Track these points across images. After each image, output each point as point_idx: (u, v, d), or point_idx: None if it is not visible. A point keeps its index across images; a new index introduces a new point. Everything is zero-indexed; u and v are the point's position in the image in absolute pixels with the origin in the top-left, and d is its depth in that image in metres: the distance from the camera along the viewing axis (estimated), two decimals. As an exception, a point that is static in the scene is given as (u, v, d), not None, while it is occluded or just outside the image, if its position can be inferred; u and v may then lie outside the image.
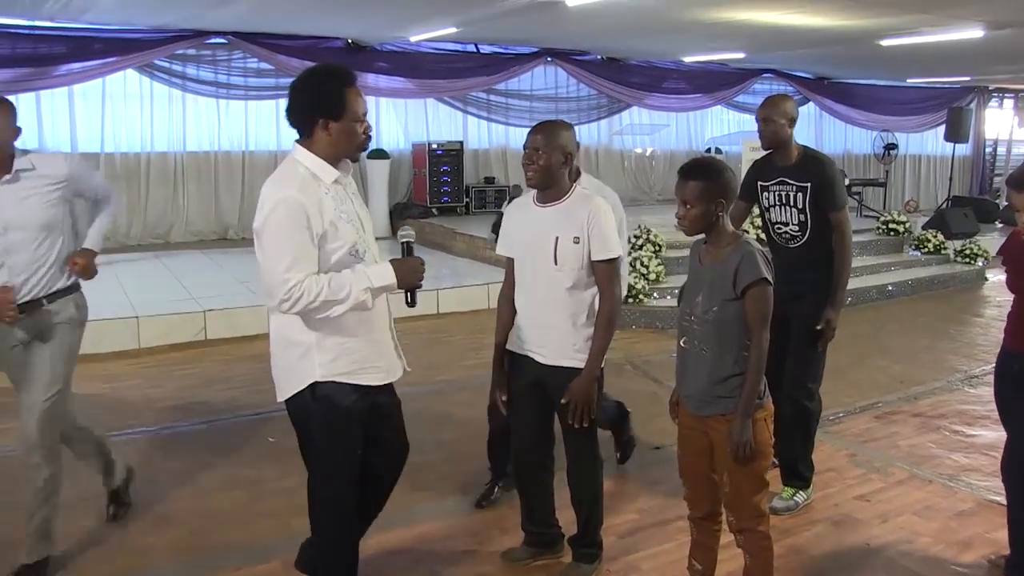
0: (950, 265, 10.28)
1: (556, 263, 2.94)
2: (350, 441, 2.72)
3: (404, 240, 2.76)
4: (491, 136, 12.76)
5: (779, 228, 3.98)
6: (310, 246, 2.48)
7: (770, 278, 2.69)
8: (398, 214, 11.24)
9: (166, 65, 9.86)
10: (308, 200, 2.48)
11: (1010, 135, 16.46)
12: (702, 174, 2.73)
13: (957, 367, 6.52)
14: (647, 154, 14.62)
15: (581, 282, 2.96)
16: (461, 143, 11.92)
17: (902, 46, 9.45)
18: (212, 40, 9.95)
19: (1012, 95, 18.42)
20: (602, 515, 3.28)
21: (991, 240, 11.52)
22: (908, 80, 14.99)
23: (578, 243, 2.92)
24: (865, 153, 17.16)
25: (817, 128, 16.58)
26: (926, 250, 10.33)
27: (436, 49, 11.45)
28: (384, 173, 11.11)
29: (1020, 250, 3.20)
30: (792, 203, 3.87)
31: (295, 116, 2.61)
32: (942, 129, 15.59)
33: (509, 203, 3.07)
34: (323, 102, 2.55)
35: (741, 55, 11.56)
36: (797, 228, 3.91)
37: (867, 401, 5.61)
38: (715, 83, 14.23)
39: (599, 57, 12.95)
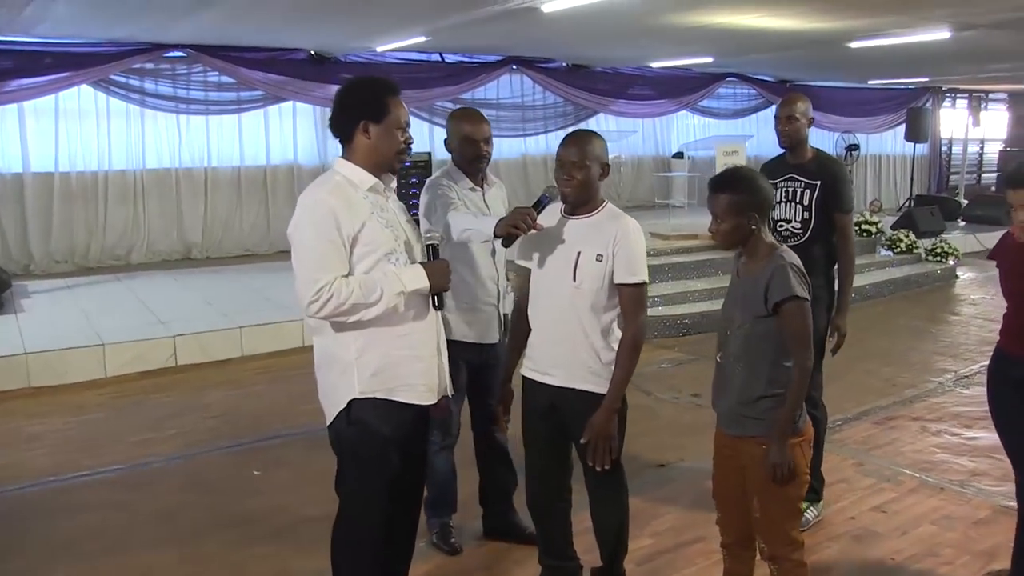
0: (922, 264, 10.31)
1: (575, 279, 2.76)
2: (383, 474, 2.56)
3: (429, 243, 2.61)
4: (459, 147, 12.56)
5: (780, 226, 3.89)
6: (340, 248, 2.42)
7: (804, 294, 2.55)
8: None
9: (123, 80, 9.49)
10: (338, 202, 2.43)
11: (965, 134, 16.68)
12: (730, 187, 2.60)
13: (946, 368, 6.48)
14: (618, 160, 14.52)
15: (600, 303, 2.78)
16: (429, 154, 11.67)
17: (870, 48, 9.46)
18: (171, 54, 9.60)
19: (965, 95, 18.69)
20: (627, 545, 3.09)
21: (958, 238, 11.62)
22: (869, 82, 15.10)
23: (601, 261, 2.74)
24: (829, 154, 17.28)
25: (780, 131, 16.63)
26: (898, 250, 10.35)
27: (400, 59, 11.24)
28: (351, 186, 10.83)
29: (1014, 251, 3.08)
30: (798, 200, 3.80)
31: (337, 121, 2.56)
32: (901, 129, 15.77)
33: (541, 208, 2.85)
34: (365, 105, 2.51)
35: (709, 59, 11.52)
36: (799, 226, 3.83)
37: (864, 407, 5.53)
38: (680, 88, 14.20)
39: (564, 64, 12.84)
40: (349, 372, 2.49)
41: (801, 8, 7.20)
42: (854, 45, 9.33)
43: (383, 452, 2.54)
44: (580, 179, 2.75)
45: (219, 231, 10.43)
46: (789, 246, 3.73)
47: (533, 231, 2.75)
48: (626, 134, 14.50)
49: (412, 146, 2.64)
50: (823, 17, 7.63)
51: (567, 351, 2.81)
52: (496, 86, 12.49)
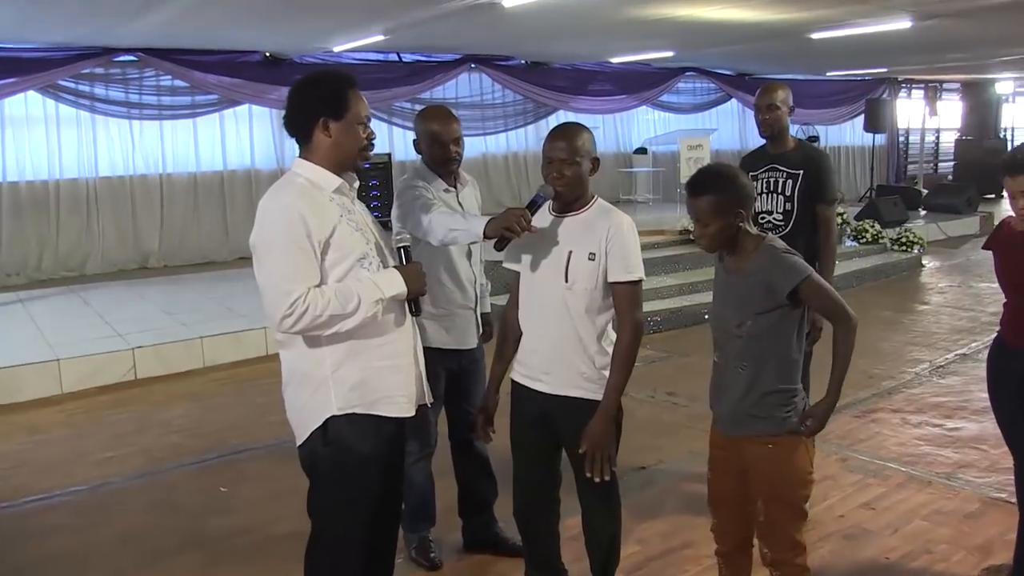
0: (888, 254, 10.34)
1: (567, 280, 2.60)
2: (366, 494, 2.39)
3: (400, 245, 2.45)
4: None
5: (762, 217, 3.80)
6: (312, 256, 2.23)
7: (809, 269, 2.45)
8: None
9: (72, 85, 9.18)
10: (306, 206, 2.24)
11: (923, 124, 16.85)
12: (712, 187, 2.46)
13: (920, 358, 6.45)
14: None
15: (594, 305, 2.63)
16: (389, 155, 11.51)
17: (831, 39, 9.46)
18: (121, 58, 9.32)
19: (921, 86, 18.89)
20: (619, 556, 2.96)
21: (921, 228, 11.70)
22: (828, 73, 15.18)
23: (593, 260, 2.60)
24: (787, 147, 17.38)
25: (740, 123, 16.69)
26: (864, 240, 10.37)
27: (358, 60, 11.03)
28: (311, 190, 10.60)
29: (1011, 240, 3.01)
30: (780, 190, 3.70)
31: (293, 119, 2.37)
32: (859, 120, 15.89)
33: (536, 209, 2.67)
34: (323, 100, 2.31)
35: (670, 53, 11.46)
36: (781, 217, 3.74)
37: (843, 400, 5.30)
38: (640, 83, 14.15)
39: (523, 62, 12.73)
40: (324, 388, 2.32)
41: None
42: (815, 36, 9.31)
43: (365, 471, 2.37)
44: (570, 176, 2.60)
45: (176, 239, 10.14)
46: (771, 239, 3.68)
47: (527, 233, 2.59)
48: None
49: (375, 142, 2.48)
50: (785, 8, 7.58)
51: (559, 356, 2.66)
52: (455, 85, 12.34)
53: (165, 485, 4.45)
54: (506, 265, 2.80)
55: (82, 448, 4.97)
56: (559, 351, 2.66)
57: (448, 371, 3.28)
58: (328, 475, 2.36)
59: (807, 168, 3.66)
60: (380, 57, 11.30)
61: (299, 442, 2.40)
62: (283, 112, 2.42)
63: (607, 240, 2.59)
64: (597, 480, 2.61)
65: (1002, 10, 7.96)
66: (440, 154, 3.20)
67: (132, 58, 9.36)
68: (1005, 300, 3.13)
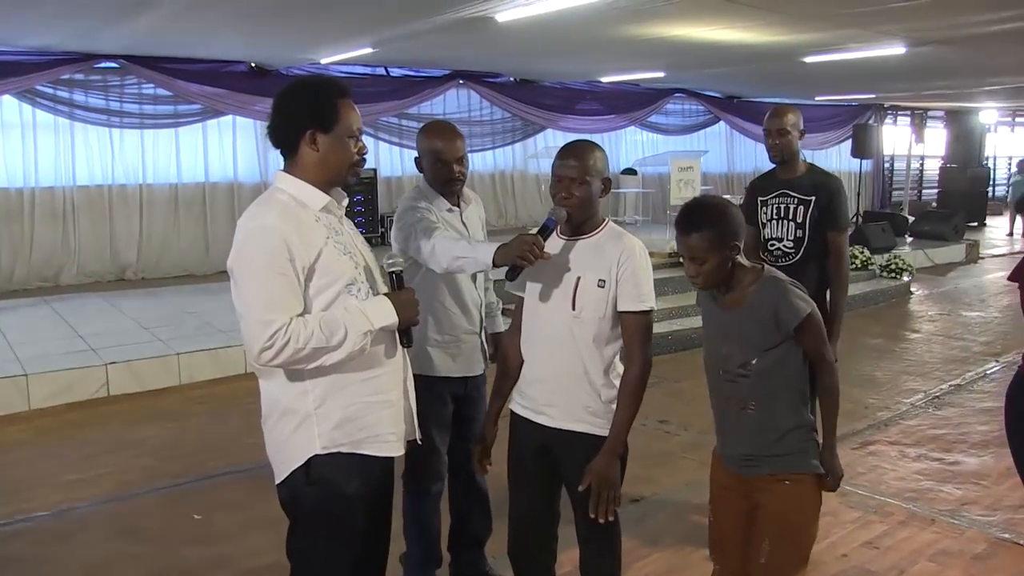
0: (877, 281, 10.27)
1: (574, 308, 2.44)
2: (351, 538, 2.21)
3: (392, 270, 2.28)
4: (404, 163, 12.19)
5: (772, 244, 3.66)
6: (294, 283, 2.05)
7: (812, 306, 2.32)
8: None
9: (50, 91, 8.95)
10: (289, 227, 2.05)
11: (909, 151, 16.92)
12: (706, 223, 2.31)
13: (915, 388, 6.32)
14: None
15: (603, 334, 2.46)
16: (374, 171, 11.36)
17: (824, 63, 9.42)
18: (102, 64, 9.11)
19: (907, 112, 19.00)
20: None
21: (908, 254, 11.64)
22: (816, 98, 15.19)
23: (603, 287, 2.43)
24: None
25: (728, 146, 16.69)
26: (853, 266, 10.27)
27: (344, 72, 10.86)
28: (294, 204, 10.41)
29: None
30: (791, 217, 3.56)
31: (278, 130, 2.17)
32: (845, 146, 15.91)
33: (548, 234, 2.48)
34: (311, 110, 2.12)
35: (661, 74, 11.39)
36: (792, 245, 3.60)
37: (840, 432, 5.26)
38: (629, 104, 14.10)
39: (512, 79, 12.63)
40: (307, 425, 2.13)
41: (759, 21, 7.06)
42: (809, 60, 9.27)
43: (350, 513, 2.18)
44: (580, 196, 2.44)
45: (155, 251, 9.90)
46: (780, 266, 3.54)
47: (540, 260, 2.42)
48: (575, 150, 14.35)
49: (366, 156, 2.30)
50: (781, 30, 7.51)
51: (564, 388, 2.49)
52: (443, 101, 12.22)
53: (135, 511, 4.22)
54: (508, 289, 2.62)
55: (47, 469, 4.73)
56: (563, 383, 2.49)
57: (455, 398, 3.10)
58: (310, 516, 2.18)
59: (819, 194, 3.52)
60: (368, 71, 11.17)
61: (279, 479, 2.22)
62: (267, 122, 2.23)
63: (618, 266, 2.43)
64: (601, 521, 2.43)
65: (992, 38, 7.95)
66: (443, 173, 3.03)
67: (114, 65, 9.16)
68: None
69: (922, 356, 7.37)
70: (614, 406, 2.48)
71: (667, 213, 11.13)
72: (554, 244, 2.52)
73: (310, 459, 2.13)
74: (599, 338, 2.46)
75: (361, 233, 2.43)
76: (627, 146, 15.14)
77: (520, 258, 2.39)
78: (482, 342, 3.24)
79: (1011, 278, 3.03)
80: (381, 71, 11.27)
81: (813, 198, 3.52)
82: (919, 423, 5.54)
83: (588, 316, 2.44)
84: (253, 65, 10.00)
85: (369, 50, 8.58)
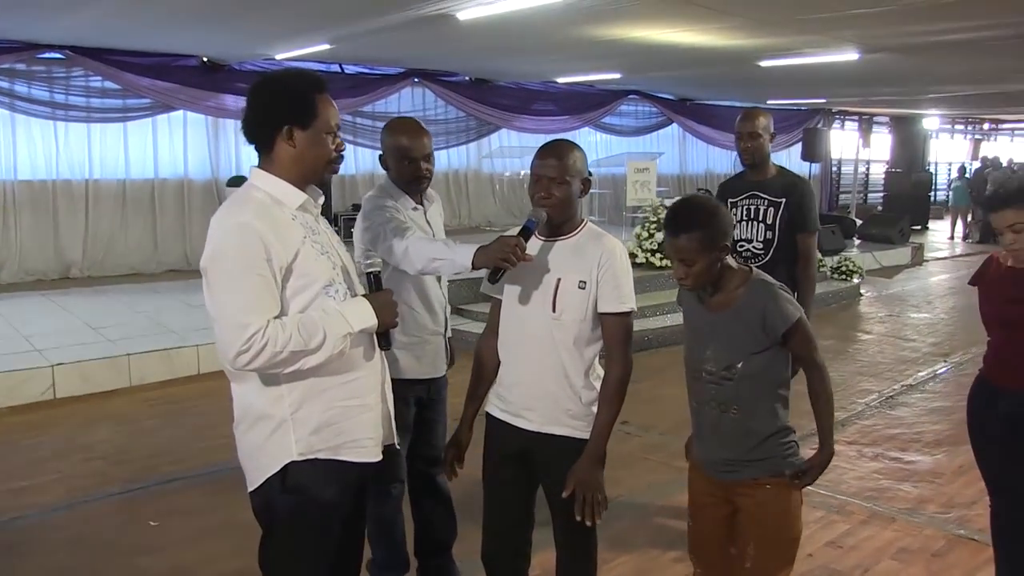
0: (828, 283, 10.41)
1: (554, 310, 2.39)
2: (326, 546, 2.14)
3: (370, 270, 2.22)
4: (358, 161, 12.05)
5: (741, 246, 3.68)
6: (271, 284, 1.97)
7: (801, 312, 2.32)
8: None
9: (-10, 82, 8.68)
10: (267, 227, 1.98)
11: (856, 155, 17.27)
12: (696, 224, 2.29)
13: (869, 389, 6.42)
14: (520, 177, 14.30)
15: (583, 336, 2.42)
16: (328, 168, 11.20)
17: (779, 67, 9.54)
18: (46, 55, 8.83)
19: (854, 118, 19.42)
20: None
21: (857, 257, 11.85)
22: (768, 102, 15.40)
23: (584, 289, 2.39)
24: (726, 172, 17.60)
25: (680, 148, 16.85)
26: (805, 268, 10.42)
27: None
28: (246, 201, 10.21)
29: (1000, 277, 2.93)
30: (761, 218, 3.58)
31: (252, 125, 2.10)
32: (794, 149, 16.16)
33: (529, 236, 2.43)
34: (288, 105, 2.05)
35: (618, 75, 11.44)
36: (761, 246, 3.62)
37: (798, 433, 5.36)
38: (584, 104, 14.15)
39: (467, 78, 12.58)
40: (284, 431, 2.06)
41: (720, 24, 7.12)
42: (764, 64, 9.39)
43: (326, 521, 2.12)
44: (559, 196, 2.40)
45: (101, 249, 9.64)
46: (749, 268, 3.56)
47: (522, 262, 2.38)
48: (529, 150, 14.34)
49: (344, 153, 2.23)
50: (740, 34, 7.59)
51: (544, 391, 2.45)
52: (397, 99, 12.12)
53: (87, 518, 4.07)
54: (485, 290, 2.57)
55: (-7, 476, 4.56)
56: (543, 386, 2.45)
57: (417, 400, 3.05)
58: (285, 524, 2.10)
59: (789, 196, 3.54)
60: (322, 67, 10.98)
61: (252, 487, 2.14)
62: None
63: (599, 268, 2.39)
64: (588, 523, 2.40)
65: (940, 48, 8.15)
66: (410, 171, 2.97)
67: (58, 55, 8.88)
68: (990, 339, 3.05)
69: (874, 357, 7.49)
70: (594, 408, 2.44)
71: (623, 214, 11.18)
72: (533, 245, 2.47)
73: (286, 466, 2.06)
74: (579, 340, 2.42)
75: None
76: (582, 147, 15.14)
77: (503, 260, 2.35)
78: (446, 343, 3.19)
79: (972, 282, 3.08)
80: (336, 68, 11.12)
81: (783, 200, 3.54)
82: (874, 423, 5.63)
83: (568, 318, 2.40)
84: (205, 59, 9.79)
85: (327, 47, 8.47)
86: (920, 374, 6.85)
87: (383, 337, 2.18)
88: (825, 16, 6.61)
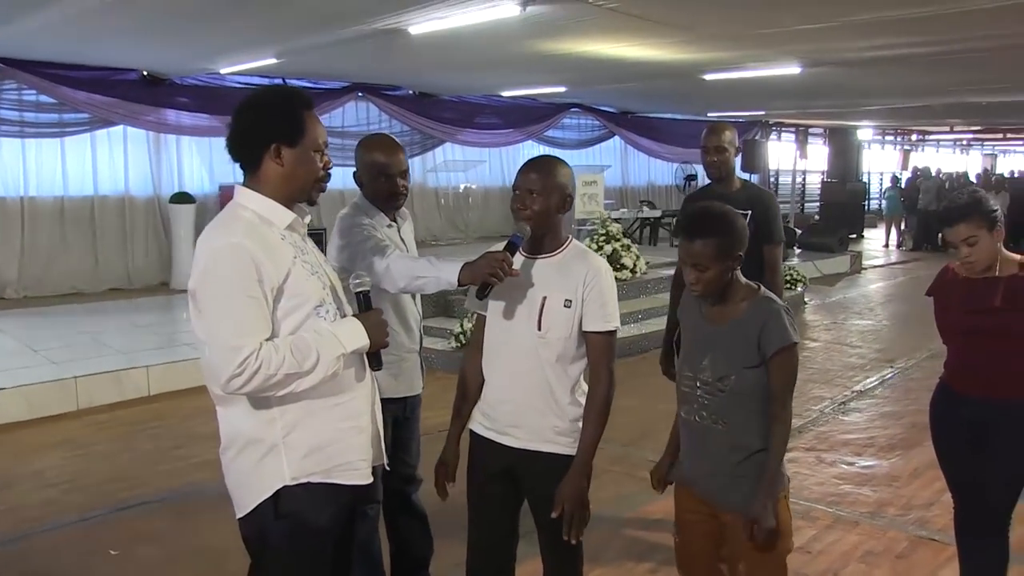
0: (772, 291, 10.61)
1: (540, 328, 2.39)
2: (321, 573, 2.10)
3: (359, 290, 2.18)
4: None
5: None
6: (263, 305, 1.94)
7: (798, 338, 2.33)
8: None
9: (-84, 95, 8.37)
10: (257, 247, 1.94)
11: (794, 165, 17.68)
12: (714, 230, 2.30)
13: (822, 396, 6.56)
14: (462, 190, 14.30)
15: (568, 354, 2.42)
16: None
17: (722, 80, 9.73)
18: (-24, 68, 8.57)
19: (791, 129, 19.89)
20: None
21: (799, 266, 12.10)
22: (708, 114, 15.68)
23: (569, 307, 2.39)
24: (668, 184, 17.88)
25: (622, 161, 17.03)
26: (750, 277, 10.60)
27: (242, 83, 10.57)
28: (190, 219, 9.99)
29: (955, 287, 3.02)
30: None
31: (239, 143, 2.06)
32: (735, 161, 16.46)
33: (514, 251, 2.44)
34: (275, 123, 2.02)
35: (563, 89, 11.53)
36: None
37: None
38: (526, 118, 14.24)
39: (411, 92, 12.55)
40: (275, 455, 2.01)
41: (668, 39, 7.24)
42: (708, 77, 9.55)
43: (321, 547, 2.07)
44: (537, 209, 2.40)
45: (40, 267, 9.34)
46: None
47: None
48: (474, 164, 14.39)
49: (331, 171, 2.19)
50: (687, 48, 7.72)
51: (530, 409, 2.44)
52: (341, 113, 12.05)
53: (42, 550, 3.92)
54: (469, 307, 2.55)
55: (-63, 507, 4.36)
56: (529, 403, 2.44)
57: (394, 419, 3.01)
58: (280, 551, 2.05)
59: (754, 208, 3.60)
60: (265, 82, 10.88)
61: (241, 513, 2.08)
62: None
63: (584, 286, 2.39)
64: (573, 542, 2.39)
65: (879, 62, 8.41)
66: (386, 188, 2.94)
67: (-11, 68, 8.61)
68: (949, 348, 3.13)
69: (824, 364, 7.66)
70: (579, 425, 2.44)
71: (572, 227, 11.26)
72: (516, 262, 2.47)
73: (278, 491, 2.01)
74: (564, 358, 2.42)
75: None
76: (525, 160, 15.21)
77: (491, 276, 2.34)
78: (420, 360, 3.16)
79: (929, 293, 3.16)
80: (279, 82, 10.97)
81: (749, 212, 3.59)
82: (830, 429, 5.75)
83: (554, 336, 2.40)
84: (146, 73, 9.59)
85: (273, 61, 8.36)
86: (869, 380, 7.03)
87: (374, 357, 2.15)
88: (770, 31, 6.76)
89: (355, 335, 2.05)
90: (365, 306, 2.17)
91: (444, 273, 2.52)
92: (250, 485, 2.04)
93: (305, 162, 2.06)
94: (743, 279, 2.40)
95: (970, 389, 2.98)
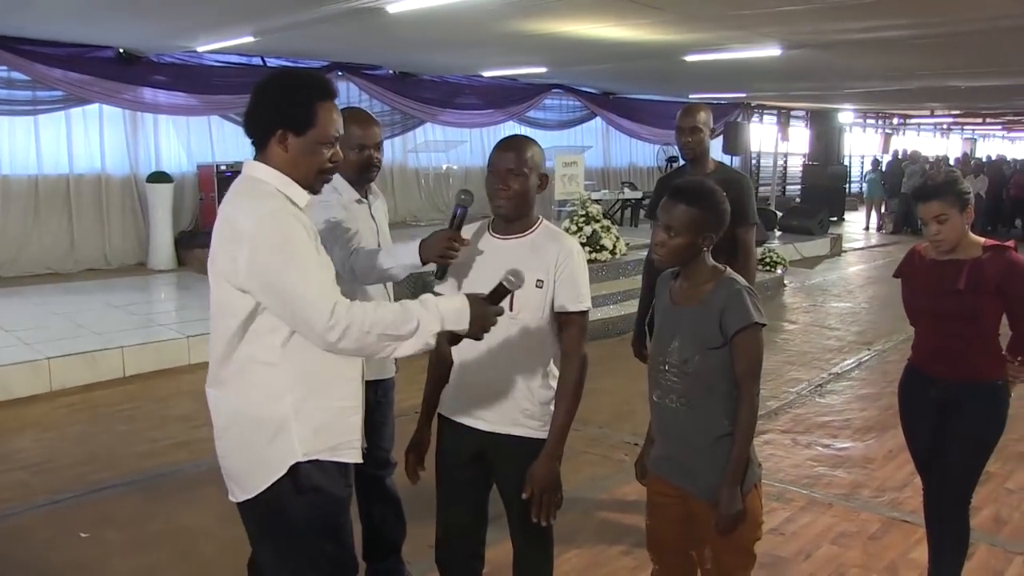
0: (752, 273, 10.64)
1: (512, 309, 2.36)
2: (349, 546, 2.13)
3: (505, 281, 2.13)
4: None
5: None
6: (327, 263, 2.05)
7: (762, 320, 2.32)
8: (184, 244, 10.09)
9: None
10: (296, 215, 1.98)
11: (775, 148, 17.73)
12: (695, 199, 2.30)
13: (799, 378, 6.58)
14: (443, 170, 14.22)
15: (540, 336, 2.41)
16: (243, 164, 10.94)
17: (703, 62, 9.70)
18: (-53, 44, 8.41)
19: (773, 112, 19.90)
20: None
21: (779, 248, 12.15)
22: (691, 96, 15.64)
23: (541, 287, 2.37)
24: (649, 166, 17.86)
25: (604, 142, 16.98)
26: (731, 260, 10.62)
27: (220, 62, 10.45)
28: (167, 198, 9.89)
29: (923, 268, 3.04)
30: None
31: (251, 120, 2.03)
32: (715, 142, 16.46)
33: (460, 222, 2.46)
34: (285, 108, 1.98)
35: (543, 69, 11.47)
36: None
37: (734, 421, 5.48)
38: (508, 98, 14.14)
39: (391, 72, 12.44)
40: (286, 431, 1.98)
41: (649, 19, 7.19)
42: (689, 58, 9.52)
43: (346, 519, 2.11)
44: (517, 189, 2.37)
45: (14, 247, 9.20)
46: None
47: (465, 249, 2.39)
48: (455, 144, 14.31)
49: (338, 163, 2.10)
50: (668, 29, 7.67)
51: (500, 392, 2.42)
52: (321, 92, 11.88)
53: (11, 533, 3.87)
54: (439, 291, 2.53)
55: (-94, 490, 4.31)
56: (500, 386, 2.43)
57: (366, 403, 2.98)
58: (306, 528, 2.03)
59: (729, 190, 3.54)
60: (244, 60, 10.76)
61: (247, 496, 2.04)
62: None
63: (556, 266, 2.37)
64: (544, 524, 2.39)
65: (861, 45, 8.41)
66: (360, 160, 2.89)
67: (-39, 45, 8.45)
68: (916, 329, 3.15)
69: (802, 346, 7.69)
70: (551, 408, 2.43)
71: (552, 208, 11.22)
72: (488, 244, 2.46)
73: (293, 468, 1.99)
74: (536, 339, 2.41)
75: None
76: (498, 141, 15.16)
77: (441, 257, 2.36)
78: None
79: (896, 274, 3.18)
80: (257, 61, 10.87)
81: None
82: (806, 411, 5.77)
83: (526, 317, 2.38)
84: (122, 51, 9.43)
85: (250, 39, 8.24)
86: (846, 362, 7.07)
87: (456, 336, 2.09)
88: (751, 12, 6.73)
89: (459, 318, 2.01)
90: (498, 298, 2.13)
91: (405, 258, 2.54)
92: (259, 467, 2.01)
93: (309, 153, 2.01)
94: (711, 261, 2.39)
95: (939, 370, 3.00)
